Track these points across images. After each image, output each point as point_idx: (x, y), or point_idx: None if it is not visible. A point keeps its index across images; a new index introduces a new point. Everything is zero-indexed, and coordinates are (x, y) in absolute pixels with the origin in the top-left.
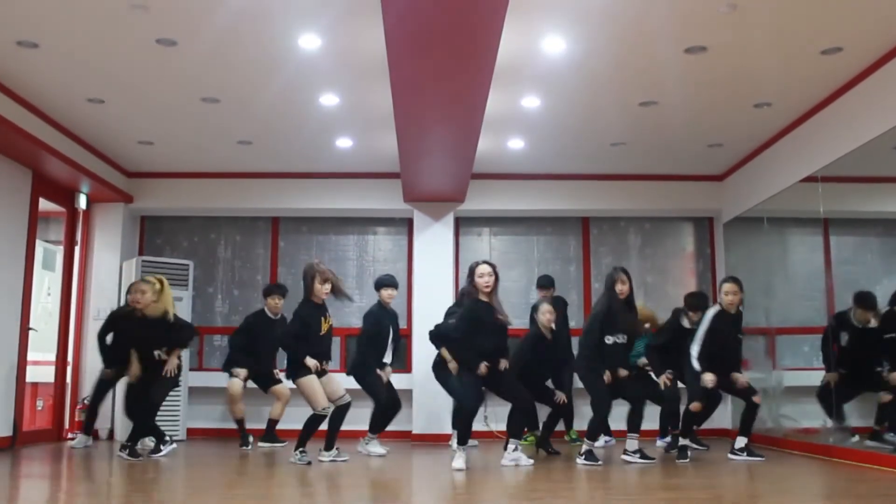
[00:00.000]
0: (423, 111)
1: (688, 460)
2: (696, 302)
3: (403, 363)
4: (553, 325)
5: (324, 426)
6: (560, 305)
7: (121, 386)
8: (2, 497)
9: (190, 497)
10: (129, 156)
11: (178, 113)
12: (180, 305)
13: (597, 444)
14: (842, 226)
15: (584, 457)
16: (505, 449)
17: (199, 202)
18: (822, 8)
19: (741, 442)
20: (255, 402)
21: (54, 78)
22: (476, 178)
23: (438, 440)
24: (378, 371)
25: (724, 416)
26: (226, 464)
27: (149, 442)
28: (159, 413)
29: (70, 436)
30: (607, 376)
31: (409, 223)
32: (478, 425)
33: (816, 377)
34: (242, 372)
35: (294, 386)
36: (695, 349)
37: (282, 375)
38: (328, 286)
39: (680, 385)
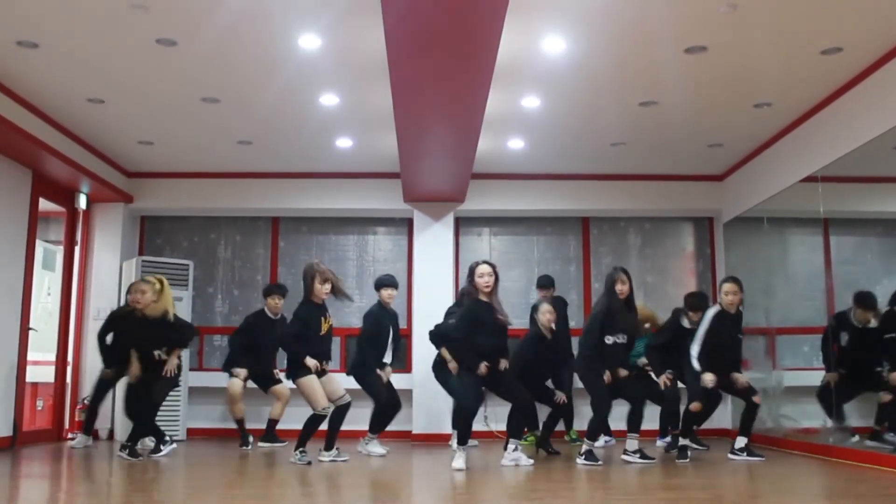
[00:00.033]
0: (423, 111)
1: (688, 460)
2: (697, 302)
3: (403, 363)
4: (553, 325)
5: (324, 426)
6: (560, 305)
7: (120, 386)
8: (2, 497)
9: (190, 497)
10: (129, 156)
11: (178, 113)
12: (180, 305)
13: (597, 444)
14: (842, 226)
15: (584, 457)
16: (505, 449)
17: (199, 202)
18: (822, 8)
19: (741, 442)
20: (255, 402)
21: (54, 78)
22: (476, 178)
23: (438, 440)
24: (378, 371)
25: (724, 416)
26: (226, 464)
27: (149, 442)
28: (159, 413)
29: (70, 436)
30: (607, 376)
31: (409, 223)
32: (478, 425)
33: (816, 377)
34: (242, 372)
35: (294, 386)
36: (695, 349)
37: (282, 375)
38: (328, 286)
39: (680, 385)
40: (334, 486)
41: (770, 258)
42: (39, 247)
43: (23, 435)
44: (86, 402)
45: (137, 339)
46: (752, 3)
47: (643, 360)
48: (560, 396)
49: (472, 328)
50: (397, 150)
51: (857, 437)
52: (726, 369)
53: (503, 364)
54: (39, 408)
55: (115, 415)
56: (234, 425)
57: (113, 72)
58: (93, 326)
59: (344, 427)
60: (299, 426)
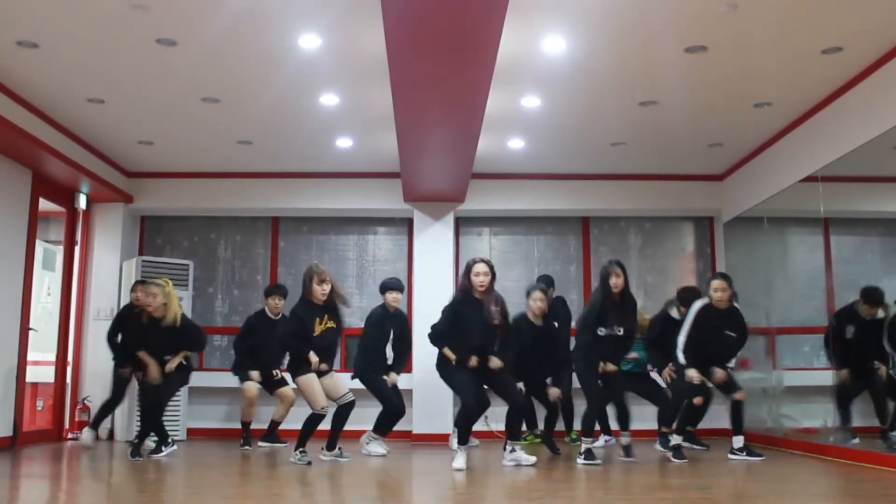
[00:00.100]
0: (423, 111)
1: (686, 460)
2: (688, 296)
3: (403, 363)
4: (543, 312)
5: (326, 426)
6: (560, 305)
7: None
8: (2, 497)
9: (190, 497)
10: (128, 156)
11: (178, 113)
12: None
13: (597, 443)
14: (842, 225)
15: (583, 456)
16: (504, 449)
17: (199, 202)
18: (822, 8)
19: (739, 441)
20: (257, 402)
21: (54, 78)
22: (476, 178)
23: (438, 440)
24: (384, 377)
25: (725, 415)
26: (226, 464)
27: (150, 442)
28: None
29: (70, 435)
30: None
31: (409, 223)
32: (478, 425)
33: (817, 377)
34: (256, 374)
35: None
36: (681, 339)
37: (283, 375)
38: (326, 286)
39: None
40: (334, 486)
41: (770, 258)
42: (39, 247)
43: (23, 435)
44: (86, 402)
45: (146, 342)
46: (753, 3)
47: (634, 354)
48: (554, 393)
49: (453, 321)
50: (397, 150)
51: (857, 440)
52: (709, 364)
53: (494, 362)
54: (39, 408)
55: (114, 415)
56: (235, 425)
57: (113, 72)
58: (93, 326)
59: (348, 427)
60: (300, 426)
